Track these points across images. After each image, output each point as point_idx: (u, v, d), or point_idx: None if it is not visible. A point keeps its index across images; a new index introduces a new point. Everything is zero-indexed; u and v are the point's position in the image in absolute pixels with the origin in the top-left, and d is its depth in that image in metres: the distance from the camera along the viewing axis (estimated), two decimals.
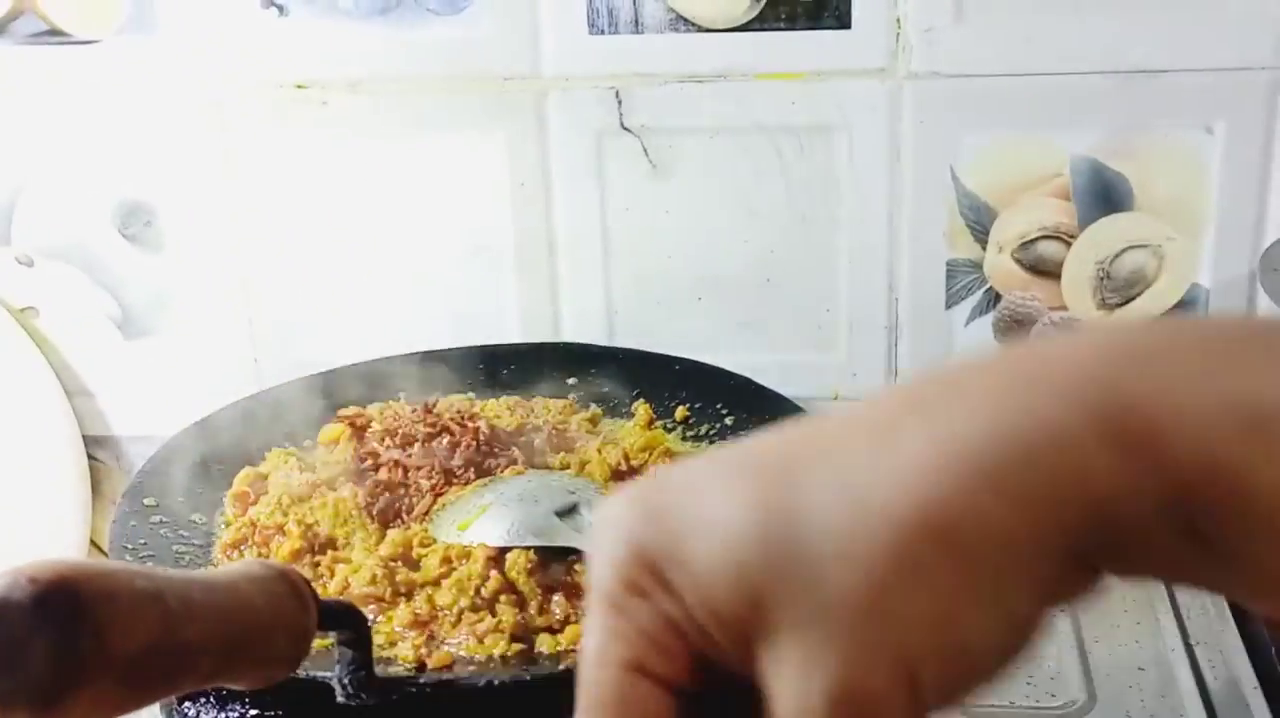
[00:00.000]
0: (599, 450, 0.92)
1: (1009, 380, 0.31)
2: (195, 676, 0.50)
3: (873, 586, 0.30)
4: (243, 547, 0.85)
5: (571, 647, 0.75)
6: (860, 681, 0.30)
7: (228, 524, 0.89)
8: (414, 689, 0.69)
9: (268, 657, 0.53)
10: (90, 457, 1.22)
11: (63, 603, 0.44)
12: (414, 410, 0.96)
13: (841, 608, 0.30)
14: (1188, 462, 0.28)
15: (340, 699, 0.66)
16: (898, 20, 1.03)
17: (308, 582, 0.57)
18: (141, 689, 0.47)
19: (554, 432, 0.96)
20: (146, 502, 0.89)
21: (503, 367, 1.06)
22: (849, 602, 0.30)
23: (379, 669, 0.67)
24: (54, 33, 1.10)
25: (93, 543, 1.20)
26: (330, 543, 0.85)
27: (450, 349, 1.07)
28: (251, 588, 0.51)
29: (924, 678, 0.30)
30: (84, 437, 1.21)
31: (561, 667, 0.71)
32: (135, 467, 0.97)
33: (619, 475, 0.90)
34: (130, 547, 0.84)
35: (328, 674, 0.65)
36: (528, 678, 0.70)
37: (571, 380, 1.04)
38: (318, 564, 0.82)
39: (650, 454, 0.93)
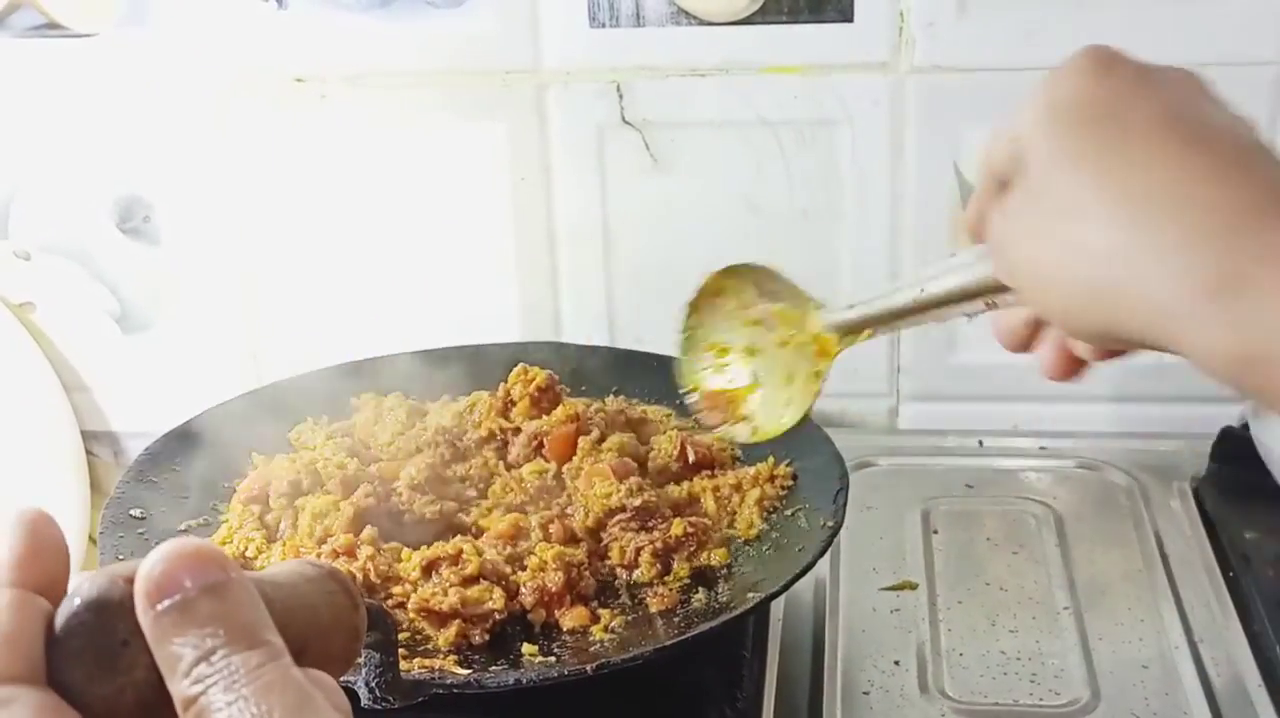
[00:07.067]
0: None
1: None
2: None
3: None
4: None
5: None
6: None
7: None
8: (440, 691, 0.68)
9: (326, 656, 0.52)
10: (88, 452, 1.21)
11: None
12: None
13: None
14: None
15: (365, 703, 0.65)
16: (900, 14, 1.03)
17: (353, 581, 0.57)
18: None
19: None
20: (133, 513, 0.87)
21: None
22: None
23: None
24: (52, 26, 1.09)
25: (91, 540, 1.20)
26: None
27: (459, 348, 1.05)
28: (309, 588, 0.50)
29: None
30: (82, 432, 1.21)
31: (590, 666, 0.71)
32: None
33: None
34: (121, 557, 0.82)
35: (351, 678, 0.65)
36: (556, 677, 0.70)
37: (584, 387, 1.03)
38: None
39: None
